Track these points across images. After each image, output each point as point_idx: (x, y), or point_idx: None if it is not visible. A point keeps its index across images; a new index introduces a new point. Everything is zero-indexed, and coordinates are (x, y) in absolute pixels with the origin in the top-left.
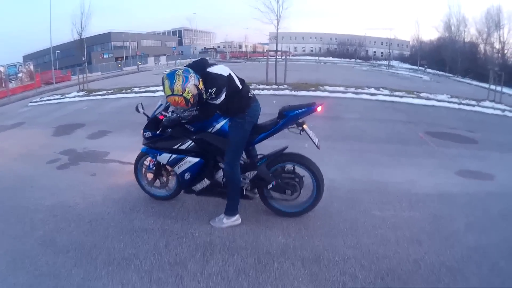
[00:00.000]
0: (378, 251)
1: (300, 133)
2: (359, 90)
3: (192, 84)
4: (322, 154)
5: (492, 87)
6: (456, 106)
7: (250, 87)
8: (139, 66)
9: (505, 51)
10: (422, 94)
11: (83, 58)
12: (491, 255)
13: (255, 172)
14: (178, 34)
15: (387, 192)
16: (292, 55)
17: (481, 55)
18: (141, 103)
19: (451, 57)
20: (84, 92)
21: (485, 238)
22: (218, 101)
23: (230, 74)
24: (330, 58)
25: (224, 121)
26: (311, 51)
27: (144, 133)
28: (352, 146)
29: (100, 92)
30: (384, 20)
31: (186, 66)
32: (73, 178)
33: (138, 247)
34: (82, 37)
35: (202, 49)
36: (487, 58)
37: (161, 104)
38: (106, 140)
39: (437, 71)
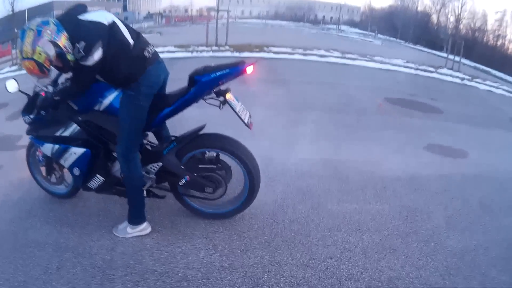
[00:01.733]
0: (340, 269)
1: (220, 106)
2: (308, 52)
3: (47, 40)
4: (263, 127)
5: (450, 56)
6: (413, 71)
7: (188, 49)
8: None
9: (459, 22)
10: (375, 58)
11: (16, 30)
12: (480, 262)
13: (160, 164)
14: None
15: (347, 177)
16: (238, 18)
17: (433, 24)
18: (14, 79)
19: (402, 24)
20: (17, 66)
21: (471, 240)
22: (91, 62)
23: (114, 22)
24: (278, 21)
25: (115, 93)
26: (259, 14)
27: (23, 118)
28: (300, 116)
29: None
30: None
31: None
32: None
33: (28, 272)
34: (14, 8)
35: (147, 13)
36: (440, 27)
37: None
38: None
39: (387, 37)
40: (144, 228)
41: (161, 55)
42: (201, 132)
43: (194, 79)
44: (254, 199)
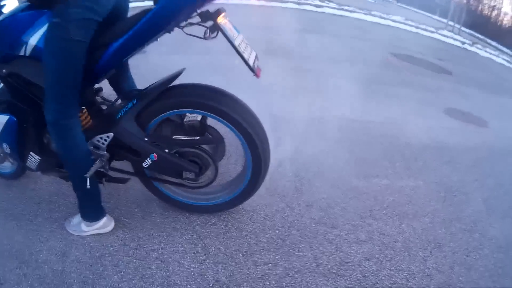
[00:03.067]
0: (381, 277)
1: (207, 33)
2: (302, 1)
3: None
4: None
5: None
6: (413, 29)
7: None
8: None
9: None
10: (373, 12)
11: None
12: None
13: (111, 135)
14: None
15: (368, 142)
16: None
17: None
18: None
19: None
20: None
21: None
22: None
23: None
24: None
25: (45, 28)
26: None
27: None
28: (306, 66)
29: None
30: None
31: None
32: None
33: None
34: None
35: None
36: None
37: None
38: None
39: None
40: (104, 225)
41: None
42: (177, 83)
43: None
44: (260, 186)
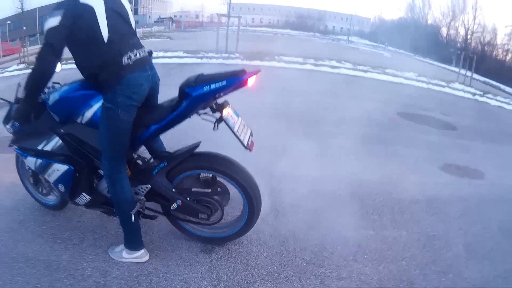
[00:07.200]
0: None
1: (215, 126)
2: (319, 62)
3: None
4: (269, 140)
5: (462, 71)
6: (425, 85)
7: (198, 55)
8: None
9: (468, 36)
10: (387, 71)
11: (24, 28)
12: None
13: (149, 186)
14: (134, 2)
15: (361, 198)
16: (249, 26)
17: (443, 37)
18: None
19: (412, 37)
20: (24, 65)
21: (491, 269)
22: (47, 25)
23: (91, 7)
24: (288, 30)
25: (98, 105)
26: (269, 23)
27: (5, 127)
28: (311, 128)
29: None
30: None
31: None
32: None
33: None
34: (23, 6)
35: (158, 18)
36: (449, 40)
37: (20, 85)
38: None
39: (397, 49)
40: (141, 255)
41: (170, 60)
42: (196, 151)
43: (185, 92)
44: (254, 225)
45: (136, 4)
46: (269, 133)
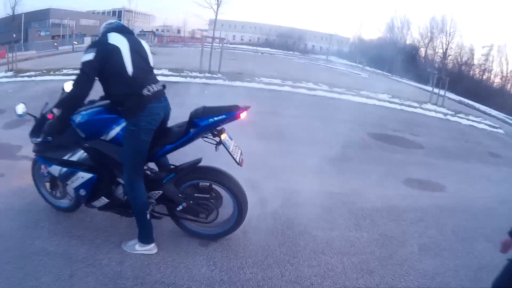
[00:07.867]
0: (324, 286)
1: (216, 148)
2: (297, 84)
3: None
4: (253, 158)
5: (435, 90)
6: (397, 107)
7: (182, 74)
8: (75, 46)
9: (446, 57)
10: (362, 92)
11: (14, 35)
12: (448, 283)
13: (161, 192)
14: (118, 14)
15: (330, 207)
16: (230, 43)
17: (421, 58)
18: (23, 103)
19: (391, 57)
20: (12, 72)
21: (442, 264)
22: (83, 59)
23: (118, 47)
24: (268, 49)
25: (121, 126)
26: (250, 40)
27: (31, 140)
28: (288, 147)
29: (28, 73)
30: (327, 17)
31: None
32: None
33: (39, 278)
34: (15, 12)
35: (140, 31)
36: (427, 61)
37: (47, 103)
38: (23, 130)
39: (375, 69)
40: (151, 248)
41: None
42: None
43: (194, 122)
44: (242, 223)
45: (120, 16)
46: (249, 151)
